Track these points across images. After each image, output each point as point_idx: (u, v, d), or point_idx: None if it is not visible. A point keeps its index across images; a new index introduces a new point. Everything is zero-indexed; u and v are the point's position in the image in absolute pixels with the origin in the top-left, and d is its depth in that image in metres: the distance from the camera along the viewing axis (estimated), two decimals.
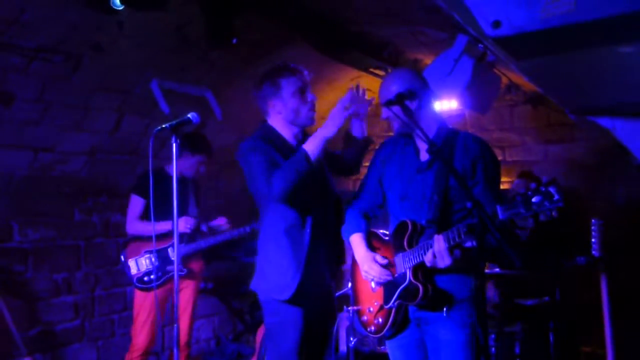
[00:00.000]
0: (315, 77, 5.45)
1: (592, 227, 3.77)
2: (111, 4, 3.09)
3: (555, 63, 2.39)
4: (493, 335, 4.25)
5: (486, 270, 4.31)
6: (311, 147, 2.70)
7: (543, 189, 2.02)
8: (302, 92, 2.89)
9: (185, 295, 4.22)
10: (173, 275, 3.92)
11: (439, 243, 2.31)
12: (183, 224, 4.06)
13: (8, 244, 4.28)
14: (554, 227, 4.86)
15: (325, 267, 2.95)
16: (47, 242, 4.52)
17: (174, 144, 2.69)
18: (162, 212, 4.02)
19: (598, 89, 2.88)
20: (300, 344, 2.84)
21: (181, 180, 4.07)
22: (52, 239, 4.55)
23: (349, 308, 3.00)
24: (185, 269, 4.12)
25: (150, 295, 4.07)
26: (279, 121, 2.93)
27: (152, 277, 4.06)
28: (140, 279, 4.11)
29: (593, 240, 3.74)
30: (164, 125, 2.70)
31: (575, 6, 1.71)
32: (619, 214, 4.88)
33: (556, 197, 2.00)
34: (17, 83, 3.68)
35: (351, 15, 4.07)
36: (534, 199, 2.03)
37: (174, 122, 2.71)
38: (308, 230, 2.84)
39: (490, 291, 4.82)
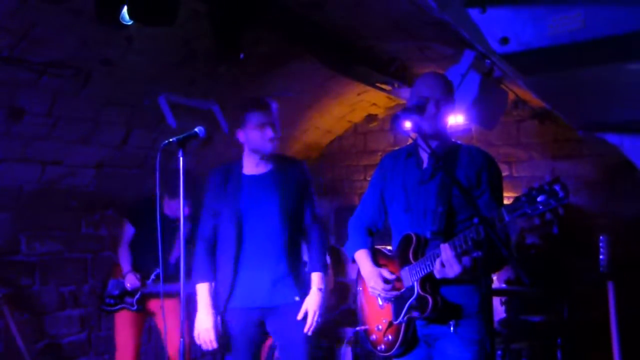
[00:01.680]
0: (321, 91, 5.55)
1: (600, 244, 3.76)
2: (120, 19, 3.11)
3: (563, 80, 2.39)
4: (500, 352, 4.22)
5: (493, 286, 4.30)
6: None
7: (547, 188, 2.01)
8: (262, 126, 3.09)
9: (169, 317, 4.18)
10: (126, 307, 4.22)
11: (446, 251, 2.29)
12: (127, 281, 4.21)
13: (15, 257, 4.28)
14: (562, 243, 4.86)
15: (259, 288, 3.10)
16: (54, 256, 4.52)
17: (181, 158, 2.70)
18: (146, 247, 4.15)
19: (606, 106, 2.88)
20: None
21: (170, 220, 4.20)
22: (59, 252, 4.55)
23: (357, 328, 3.01)
24: (136, 306, 4.21)
25: (123, 315, 4.26)
26: (245, 149, 3.22)
27: (111, 301, 4.26)
28: (102, 299, 4.30)
29: (601, 257, 3.73)
30: (171, 140, 2.71)
31: (583, 24, 1.72)
32: (626, 230, 4.85)
33: (561, 194, 1.98)
34: (26, 98, 3.69)
35: (359, 31, 4.08)
36: (539, 198, 2.02)
37: (180, 136, 2.73)
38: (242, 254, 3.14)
39: (497, 307, 4.78)
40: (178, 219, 4.10)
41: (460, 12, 1.99)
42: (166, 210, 4.26)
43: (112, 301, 4.24)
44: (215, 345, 3.07)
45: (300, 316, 3.06)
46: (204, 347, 3.09)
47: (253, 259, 3.11)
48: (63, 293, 4.58)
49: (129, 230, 4.35)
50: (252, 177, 3.19)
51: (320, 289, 3.13)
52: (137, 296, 4.20)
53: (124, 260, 4.30)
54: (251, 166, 3.21)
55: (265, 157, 3.17)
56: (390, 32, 4.04)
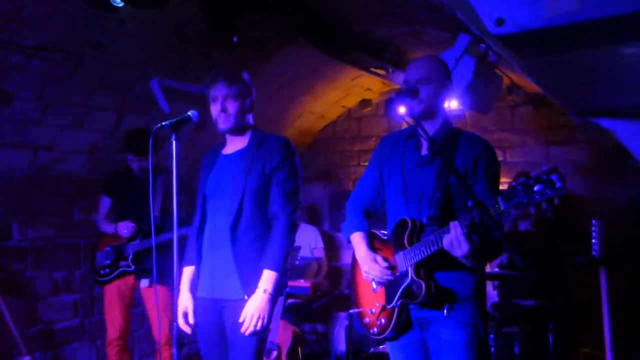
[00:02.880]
0: (315, 76, 5.52)
1: (593, 228, 3.76)
2: (112, 2, 3.07)
3: (558, 62, 2.37)
4: (492, 336, 4.24)
5: (486, 270, 4.32)
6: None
7: (544, 177, 2.00)
8: (214, 99, 2.89)
9: (148, 292, 4.23)
10: (124, 270, 4.20)
11: (456, 229, 2.25)
12: (121, 229, 4.20)
13: (7, 243, 4.26)
14: (555, 227, 4.87)
15: (213, 279, 2.87)
16: (47, 241, 4.50)
17: (174, 142, 2.67)
18: (126, 211, 4.23)
19: (601, 90, 2.87)
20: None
21: (140, 178, 4.22)
22: (51, 238, 4.53)
23: (350, 311, 2.96)
24: (133, 266, 4.19)
25: (111, 288, 4.26)
26: None
27: (107, 270, 4.24)
28: (97, 272, 4.28)
29: (593, 240, 3.73)
30: (163, 123, 2.68)
31: (580, 4, 1.70)
32: (619, 215, 4.88)
33: (558, 184, 1.97)
34: (16, 82, 3.66)
35: (353, 15, 4.06)
36: (535, 187, 2.01)
37: (173, 120, 2.69)
38: (202, 238, 2.94)
39: (490, 291, 4.80)
40: (147, 176, 4.03)
41: None
42: (134, 169, 4.29)
43: (107, 270, 4.23)
44: (188, 330, 2.85)
45: (241, 318, 2.71)
46: (184, 329, 2.86)
47: (210, 247, 2.88)
48: (56, 279, 4.56)
49: (105, 202, 4.37)
50: (224, 157, 2.97)
51: (265, 291, 2.70)
52: (130, 256, 4.18)
53: (107, 226, 4.31)
54: (228, 145, 2.98)
55: (233, 133, 2.92)
56: (384, 16, 4.01)
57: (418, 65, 2.59)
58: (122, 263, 4.21)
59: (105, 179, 4.41)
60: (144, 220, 4.14)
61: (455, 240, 2.25)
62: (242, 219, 2.79)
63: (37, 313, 4.43)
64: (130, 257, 4.19)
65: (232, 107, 2.84)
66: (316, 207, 6.62)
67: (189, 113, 2.74)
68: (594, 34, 1.92)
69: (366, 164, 2.91)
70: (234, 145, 2.96)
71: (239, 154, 2.91)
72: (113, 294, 4.26)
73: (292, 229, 2.80)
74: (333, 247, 6.41)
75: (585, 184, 5.24)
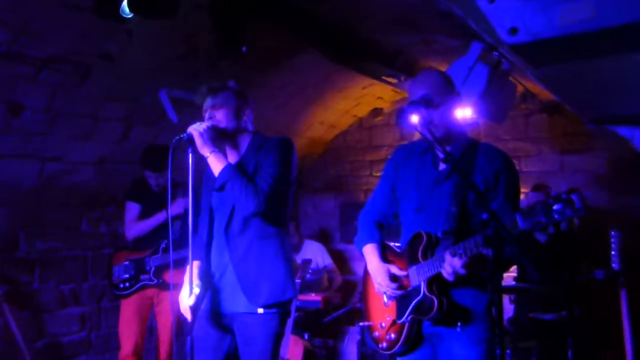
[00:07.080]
0: (326, 85, 5.49)
1: (612, 240, 3.70)
2: (120, 13, 3.06)
3: (573, 71, 2.34)
4: (509, 351, 4.17)
5: (502, 284, 4.24)
6: None
7: (564, 197, 1.98)
8: (205, 112, 2.84)
9: (165, 307, 4.25)
10: (146, 283, 4.20)
11: (447, 258, 2.29)
12: (175, 209, 4.14)
13: (15, 254, 4.27)
14: (573, 239, 4.78)
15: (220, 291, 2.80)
16: (54, 253, 4.51)
17: (191, 155, 2.62)
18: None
19: (617, 97, 2.83)
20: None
21: (156, 193, 4.23)
22: (59, 250, 4.54)
23: (360, 324, 2.91)
24: (155, 279, 4.19)
25: (129, 302, 4.24)
26: None
27: (127, 284, 4.21)
28: (116, 286, 4.25)
29: (612, 253, 3.68)
30: (182, 136, 2.64)
31: (593, 13, 1.66)
32: (638, 226, 4.78)
33: (578, 204, 1.96)
34: (26, 93, 3.67)
35: (363, 23, 4.03)
36: (555, 207, 1.99)
37: (190, 133, 2.67)
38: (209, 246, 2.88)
39: (506, 305, 4.72)
40: (163, 191, 4.17)
41: (469, 3, 1.95)
42: (152, 184, 4.30)
43: (127, 284, 4.21)
44: (189, 317, 2.64)
45: None
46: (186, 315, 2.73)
47: (219, 259, 2.81)
48: (63, 291, 4.57)
49: (133, 208, 4.30)
50: None
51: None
52: (152, 270, 4.17)
53: (141, 225, 4.25)
54: (228, 155, 2.85)
55: (228, 139, 2.83)
56: (394, 25, 3.98)
57: (430, 79, 2.51)
58: (144, 277, 4.19)
59: (131, 186, 4.37)
60: (163, 234, 4.16)
61: (451, 271, 2.29)
62: (234, 220, 2.74)
63: (44, 326, 4.43)
64: (153, 270, 4.18)
65: (219, 113, 2.78)
66: (326, 218, 6.57)
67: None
68: (608, 42, 1.90)
69: (378, 174, 2.89)
70: (232, 155, 2.86)
71: (237, 162, 2.81)
72: (131, 308, 4.24)
73: (255, 191, 2.64)
74: (344, 260, 6.36)
75: (602, 193, 5.16)
